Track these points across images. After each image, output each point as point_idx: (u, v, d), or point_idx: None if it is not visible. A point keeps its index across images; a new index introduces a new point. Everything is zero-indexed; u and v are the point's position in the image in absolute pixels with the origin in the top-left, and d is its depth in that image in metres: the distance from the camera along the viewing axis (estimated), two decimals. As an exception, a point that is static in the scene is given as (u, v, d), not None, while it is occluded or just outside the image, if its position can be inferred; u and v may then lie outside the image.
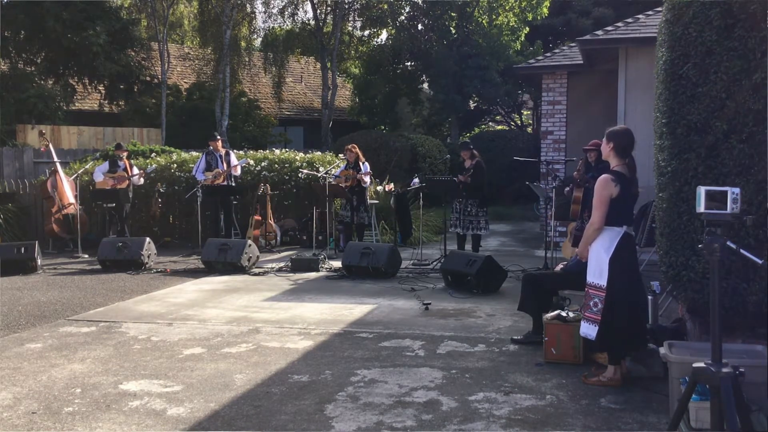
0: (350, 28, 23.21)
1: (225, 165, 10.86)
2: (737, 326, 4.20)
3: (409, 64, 23.20)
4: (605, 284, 4.38)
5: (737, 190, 2.88)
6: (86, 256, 10.42)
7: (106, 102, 19.43)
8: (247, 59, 22.09)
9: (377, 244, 9.36)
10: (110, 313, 6.79)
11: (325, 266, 9.22)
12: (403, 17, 22.20)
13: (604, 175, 4.42)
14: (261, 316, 6.54)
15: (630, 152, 4.49)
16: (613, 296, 4.37)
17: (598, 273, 4.45)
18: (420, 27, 22.10)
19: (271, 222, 11.35)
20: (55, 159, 11.83)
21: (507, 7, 20.80)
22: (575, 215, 7.75)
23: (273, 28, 23.76)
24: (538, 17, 21.20)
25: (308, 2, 22.02)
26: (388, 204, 11.97)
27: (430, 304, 6.92)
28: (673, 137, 4.37)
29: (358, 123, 22.91)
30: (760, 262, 3.01)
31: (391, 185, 12.33)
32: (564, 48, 14.69)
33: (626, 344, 4.52)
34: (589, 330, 4.47)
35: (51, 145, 12.12)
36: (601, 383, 4.49)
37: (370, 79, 22.81)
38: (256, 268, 9.24)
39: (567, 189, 8.16)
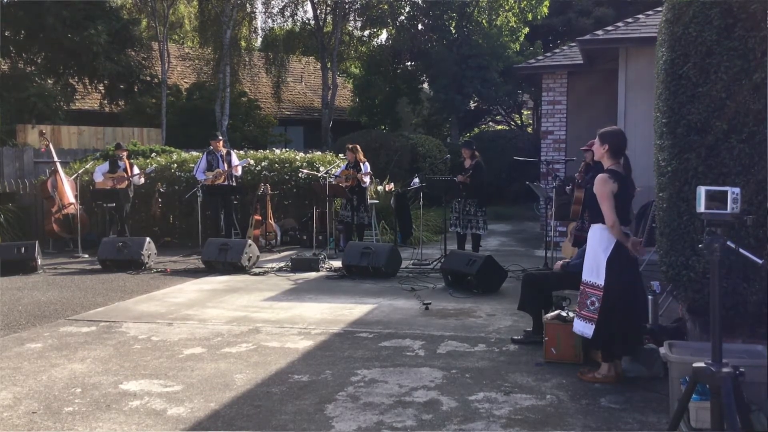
0: (350, 28, 23.19)
1: (226, 165, 10.86)
2: (737, 326, 4.21)
3: (409, 64, 23.19)
4: (602, 284, 4.40)
5: (737, 189, 2.88)
6: (86, 255, 10.42)
7: (106, 102, 19.41)
8: (247, 59, 22.07)
9: (377, 244, 9.36)
10: (110, 312, 6.79)
11: (325, 266, 9.21)
12: (403, 17, 22.18)
13: (600, 174, 4.44)
14: (261, 316, 6.54)
15: (623, 152, 4.52)
16: (610, 296, 4.38)
17: (595, 272, 4.46)
18: (420, 27, 22.08)
19: (272, 222, 11.35)
20: (55, 159, 11.81)
21: (507, 7, 20.78)
22: (575, 215, 7.75)
23: (273, 28, 23.78)
24: (538, 17, 21.19)
25: (308, 2, 22.01)
26: (388, 204, 11.97)
27: (430, 303, 6.92)
28: (673, 137, 4.37)
29: (359, 123, 22.90)
30: (760, 262, 3.01)
31: (392, 185, 12.33)
32: (564, 48, 14.68)
33: (621, 343, 4.53)
34: (585, 328, 4.50)
35: (51, 145, 12.09)
36: (596, 379, 4.54)
37: (370, 79, 22.80)
38: (257, 267, 9.24)
39: (568, 187, 8.16)
